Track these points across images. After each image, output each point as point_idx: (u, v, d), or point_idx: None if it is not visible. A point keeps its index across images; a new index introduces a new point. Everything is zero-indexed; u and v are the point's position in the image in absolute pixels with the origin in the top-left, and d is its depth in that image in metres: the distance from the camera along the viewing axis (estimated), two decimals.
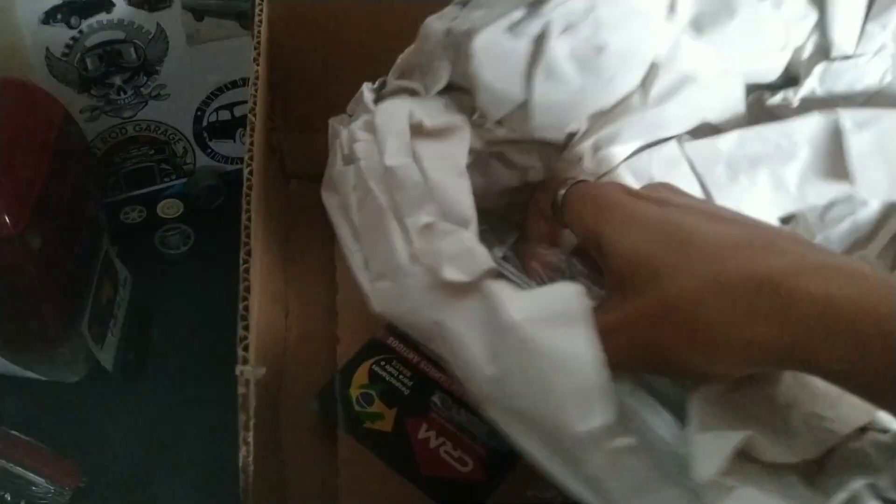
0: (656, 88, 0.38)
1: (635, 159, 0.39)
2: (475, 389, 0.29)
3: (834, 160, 0.38)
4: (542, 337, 0.27)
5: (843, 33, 0.39)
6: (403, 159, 0.33)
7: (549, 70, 0.36)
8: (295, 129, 0.60)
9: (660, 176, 0.39)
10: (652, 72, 0.38)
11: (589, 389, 0.26)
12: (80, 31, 0.55)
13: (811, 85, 0.40)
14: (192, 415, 0.55)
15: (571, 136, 0.40)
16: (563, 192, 0.36)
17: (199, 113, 0.63)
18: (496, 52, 0.36)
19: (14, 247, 0.44)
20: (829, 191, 0.39)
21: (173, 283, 0.62)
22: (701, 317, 0.27)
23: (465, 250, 0.30)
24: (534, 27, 0.35)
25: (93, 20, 0.55)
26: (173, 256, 0.63)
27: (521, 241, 0.41)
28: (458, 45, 0.36)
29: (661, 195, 0.32)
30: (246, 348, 0.31)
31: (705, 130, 0.41)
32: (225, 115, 0.64)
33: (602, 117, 0.39)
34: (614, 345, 0.28)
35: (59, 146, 0.49)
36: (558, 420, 0.26)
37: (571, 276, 0.36)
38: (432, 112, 0.36)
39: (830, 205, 0.40)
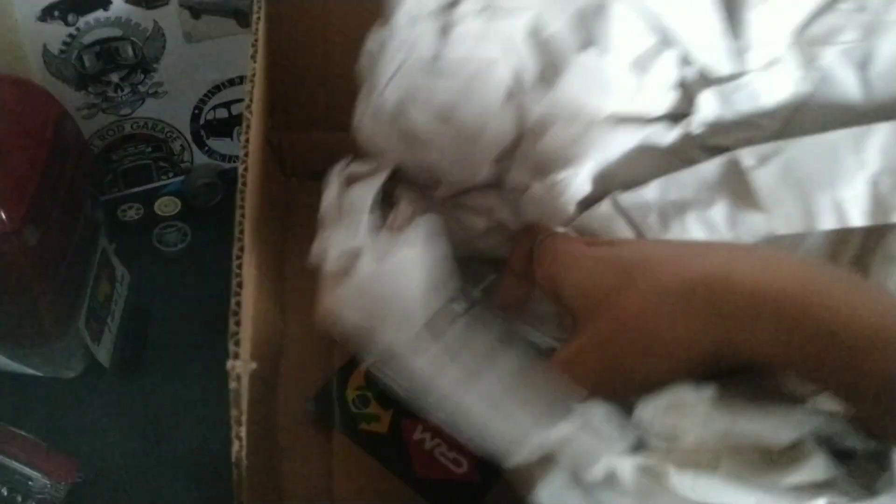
0: (533, 134, 0.40)
1: (578, 221, 0.41)
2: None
3: (750, 197, 0.38)
4: (386, 268, 0.33)
5: (706, 56, 0.39)
6: (332, 201, 0.39)
7: (420, 137, 0.40)
8: (295, 127, 0.60)
9: (600, 232, 0.41)
10: (519, 123, 0.40)
11: (412, 306, 0.32)
12: (77, 29, 0.55)
13: (710, 110, 0.39)
14: (189, 411, 0.55)
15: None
16: (536, 244, 0.38)
17: (196, 111, 0.63)
18: (377, 128, 0.40)
19: (10, 243, 0.45)
20: (760, 225, 0.38)
21: (170, 280, 0.62)
22: (648, 325, 0.30)
23: (344, 237, 0.35)
24: (389, 99, 0.39)
25: (90, 17, 0.55)
26: (171, 254, 0.63)
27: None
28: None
29: (612, 238, 0.36)
30: (237, 343, 0.31)
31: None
32: (222, 113, 0.64)
33: (505, 162, 0.41)
34: (577, 373, 0.30)
35: (55, 143, 0.49)
36: (391, 338, 0.32)
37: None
38: (361, 164, 0.41)
39: (776, 239, 0.39)
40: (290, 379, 0.51)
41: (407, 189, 0.42)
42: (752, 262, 0.29)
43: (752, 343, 0.27)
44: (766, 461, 0.27)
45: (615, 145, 0.40)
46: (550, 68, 0.39)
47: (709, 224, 0.39)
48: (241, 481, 0.39)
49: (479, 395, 0.30)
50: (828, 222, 0.37)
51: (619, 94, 0.40)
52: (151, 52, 0.58)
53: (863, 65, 0.37)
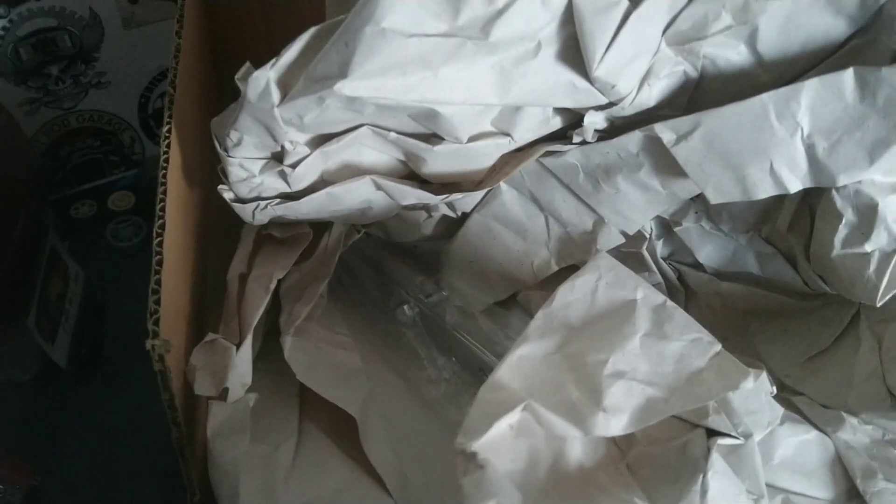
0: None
1: (511, 177, 0.40)
2: None
3: (677, 167, 0.37)
4: (215, 449, 0.36)
5: (569, 105, 0.37)
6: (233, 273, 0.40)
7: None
8: None
9: (535, 188, 0.41)
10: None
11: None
12: (10, 21, 0.53)
13: (598, 121, 0.38)
14: (149, 408, 0.53)
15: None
16: None
17: (143, 100, 0.61)
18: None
19: None
20: (692, 188, 0.38)
21: (127, 275, 0.60)
22: None
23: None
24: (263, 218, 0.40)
25: (22, 8, 0.53)
26: (126, 249, 0.62)
27: None
28: None
29: None
30: (156, 322, 0.29)
31: None
32: None
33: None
34: None
35: None
36: None
37: None
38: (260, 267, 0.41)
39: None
40: None
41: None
42: None
43: None
44: None
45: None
46: (412, 158, 0.38)
47: (643, 184, 0.38)
48: (188, 469, 0.37)
49: None
50: (764, 191, 0.36)
51: (493, 154, 0.39)
52: (90, 40, 0.57)
53: (749, 41, 0.35)
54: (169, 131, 0.36)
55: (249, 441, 0.36)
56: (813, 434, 0.33)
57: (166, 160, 0.35)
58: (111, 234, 0.62)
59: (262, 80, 0.32)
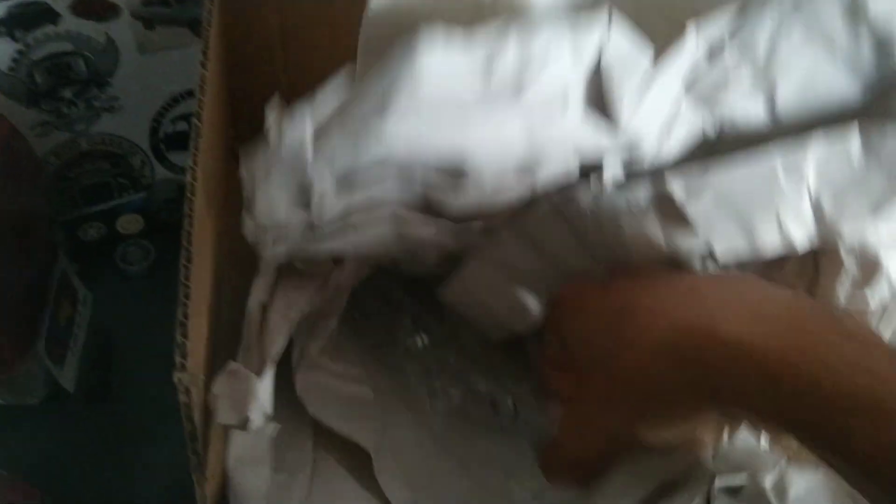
0: None
1: (519, 224, 0.40)
2: None
3: (687, 223, 0.37)
4: (237, 477, 0.38)
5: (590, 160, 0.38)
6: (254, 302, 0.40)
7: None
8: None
9: (539, 235, 0.41)
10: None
11: None
12: (27, 45, 0.54)
13: (616, 171, 0.39)
14: (158, 433, 0.54)
15: None
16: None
17: (154, 124, 0.62)
18: None
19: None
20: (700, 247, 0.38)
21: (135, 299, 0.61)
22: (646, 383, 0.30)
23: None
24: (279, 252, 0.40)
25: (38, 32, 0.53)
26: (135, 273, 0.62)
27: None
28: None
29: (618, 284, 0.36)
30: (184, 355, 0.30)
31: None
32: (182, 126, 0.62)
33: None
34: (579, 442, 0.33)
35: (4, 164, 0.48)
36: None
37: None
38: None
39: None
40: None
41: None
42: (740, 312, 0.29)
43: (739, 397, 0.27)
44: None
45: None
46: (436, 204, 0.39)
47: (645, 239, 0.39)
48: (203, 499, 0.37)
49: None
50: (773, 249, 0.37)
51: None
52: (104, 65, 0.57)
53: (767, 104, 0.36)
54: (195, 163, 0.37)
55: (270, 470, 0.36)
56: (822, 473, 0.34)
57: (192, 192, 0.35)
58: (120, 257, 0.62)
59: (297, 138, 0.34)
